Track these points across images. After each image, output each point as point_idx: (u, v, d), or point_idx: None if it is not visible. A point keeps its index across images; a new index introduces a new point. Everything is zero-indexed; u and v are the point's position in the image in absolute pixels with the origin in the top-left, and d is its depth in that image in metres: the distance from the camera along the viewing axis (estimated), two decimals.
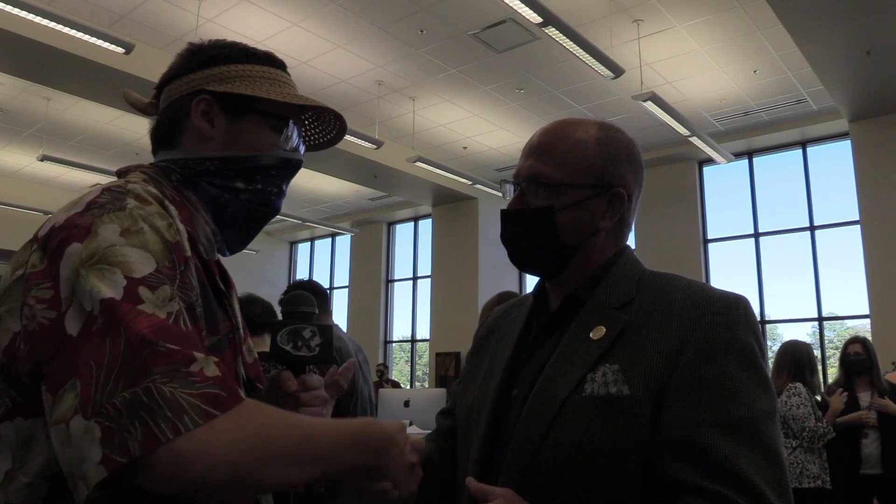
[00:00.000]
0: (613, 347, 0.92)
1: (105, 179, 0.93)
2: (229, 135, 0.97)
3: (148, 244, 0.78)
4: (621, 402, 0.88)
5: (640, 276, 1.02)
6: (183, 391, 0.68)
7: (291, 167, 1.03)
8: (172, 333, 0.72)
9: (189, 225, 0.90)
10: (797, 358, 4.09)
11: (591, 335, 0.95)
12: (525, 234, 1.04)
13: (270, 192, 1.01)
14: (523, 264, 1.09)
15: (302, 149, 1.06)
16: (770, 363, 4.29)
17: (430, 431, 1.22)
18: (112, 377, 0.68)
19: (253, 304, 2.65)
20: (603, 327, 0.95)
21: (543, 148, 1.05)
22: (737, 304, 0.92)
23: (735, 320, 0.90)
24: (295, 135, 1.03)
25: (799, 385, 4.03)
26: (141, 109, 1.03)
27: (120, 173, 0.96)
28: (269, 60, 1.03)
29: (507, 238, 1.07)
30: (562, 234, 1.01)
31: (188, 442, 0.67)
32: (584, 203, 1.02)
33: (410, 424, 4.70)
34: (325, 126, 1.12)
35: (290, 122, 1.02)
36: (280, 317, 1.11)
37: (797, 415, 3.94)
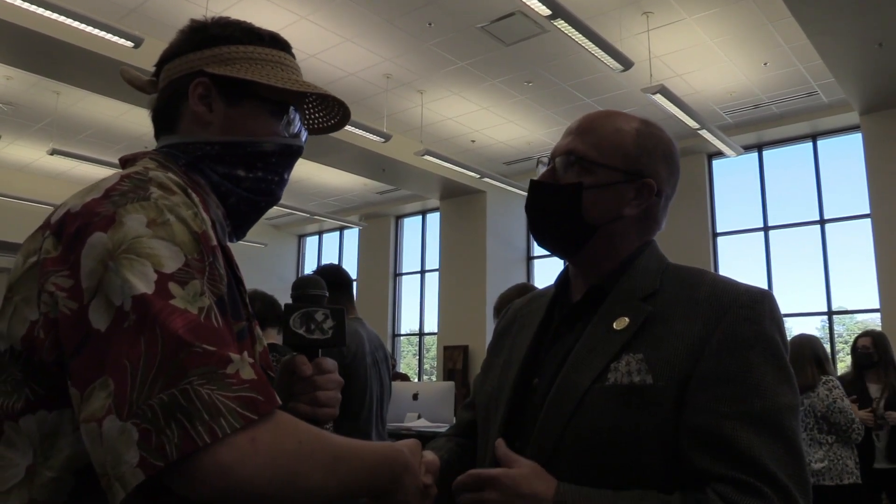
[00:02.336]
0: (637, 337, 0.93)
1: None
2: (228, 119, 0.94)
3: (175, 236, 0.75)
4: (645, 391, 0.89)
5: (664, 269, 1.03)
6: (220, 394, 0.67)
7: (293, 153, 1.00)
8: (207, 333, 0.70)
9: (207, 211, 0.87)
10: (816, 351, 3.95)
11: (614, 325, 0.96)
12: (549, 208, 1.05)
13: (272, 181, 0.98)
14: (542, 237, 1.09)
15: (304, 134, 1.03)
16: None
17: (439, 424, 1.23)
18: (150, 377, 0.66)
19: (254, 301, 2.59)
20: (626, 318, 0.96)
21: (583, 129, 1.06)
22: (762, 298, 0.93)
23: (760, 315, 0.91)
24: (297, 120, 1.00)
25: (833, 378, 3.86)
26: (139, 87, 1.00)
27: (126, 161, 0.92)
28: (274, 42, 1.00)
29: (530, 208, 1.08)
30: (585, 211, 1.02)
31: (230, 451, 0.66)
32: (613, 186, 1.02)
33: (419, 417, 4.77)
34: (328, 111, 1.09)
35: (291, 107, 0.99)
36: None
37: (843, 407, 3.72)
